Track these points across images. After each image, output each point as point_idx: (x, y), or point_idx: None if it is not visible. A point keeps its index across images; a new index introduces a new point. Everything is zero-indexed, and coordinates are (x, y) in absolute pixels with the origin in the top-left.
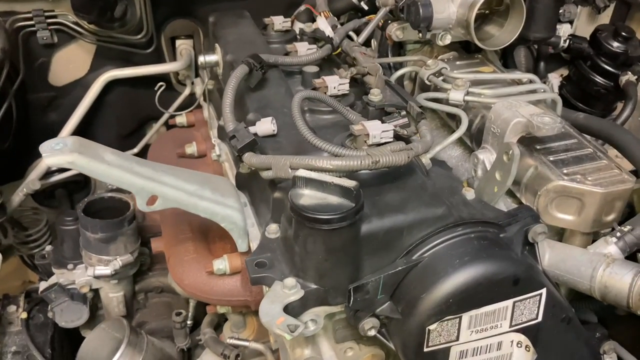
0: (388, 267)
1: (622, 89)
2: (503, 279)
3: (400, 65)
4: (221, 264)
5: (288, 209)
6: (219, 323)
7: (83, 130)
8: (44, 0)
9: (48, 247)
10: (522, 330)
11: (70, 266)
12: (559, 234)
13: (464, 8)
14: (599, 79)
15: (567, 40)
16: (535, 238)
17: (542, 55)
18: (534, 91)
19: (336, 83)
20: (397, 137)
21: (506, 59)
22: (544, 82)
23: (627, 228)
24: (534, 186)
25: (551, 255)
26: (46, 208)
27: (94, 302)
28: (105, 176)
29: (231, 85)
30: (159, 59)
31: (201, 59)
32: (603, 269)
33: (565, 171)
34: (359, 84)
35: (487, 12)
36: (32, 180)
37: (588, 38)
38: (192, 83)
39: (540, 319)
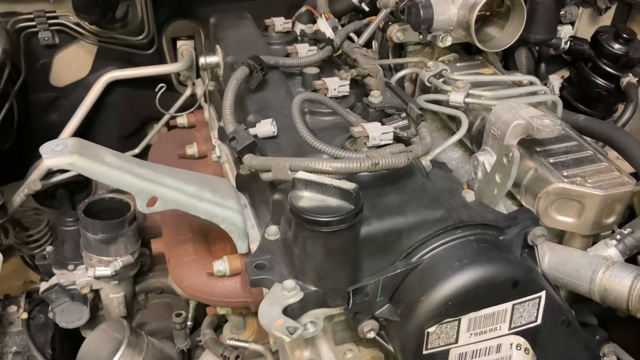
0: (387, 270)
1: (623, 91)
2: (502, 281)
3: (400, 66)
4: (221, 265)
5: (287, 210)
6: (219, 324)
7: (84, 130)
8: (45, 1)
9: (49, 248)
10: (522, 333)
11: (70, 267)
12: (559, 237)
13: (464, 10)
14: (599, 81)
15: (568, 42)
16: (535, 240)
17: (543, 56)
18: (534, 93)
19: (336, 84)
20: (397, 139)
21: (507, 60)
22: (545, 84)
23: (627, 231)
24: (534, 188)
25: (551, 258)
26: (47, 208)
27: (95, 302)
28: (106, 178)
29: (231, 87)
30: (160, 59)
31: (202, 60)
32: (603, 272)
33: (565, 173)
34: (359, 86)
35: (487, 13)
36: (33, 181)
37: (589, 40)
38: (193, 84)
39: (539, 321)
